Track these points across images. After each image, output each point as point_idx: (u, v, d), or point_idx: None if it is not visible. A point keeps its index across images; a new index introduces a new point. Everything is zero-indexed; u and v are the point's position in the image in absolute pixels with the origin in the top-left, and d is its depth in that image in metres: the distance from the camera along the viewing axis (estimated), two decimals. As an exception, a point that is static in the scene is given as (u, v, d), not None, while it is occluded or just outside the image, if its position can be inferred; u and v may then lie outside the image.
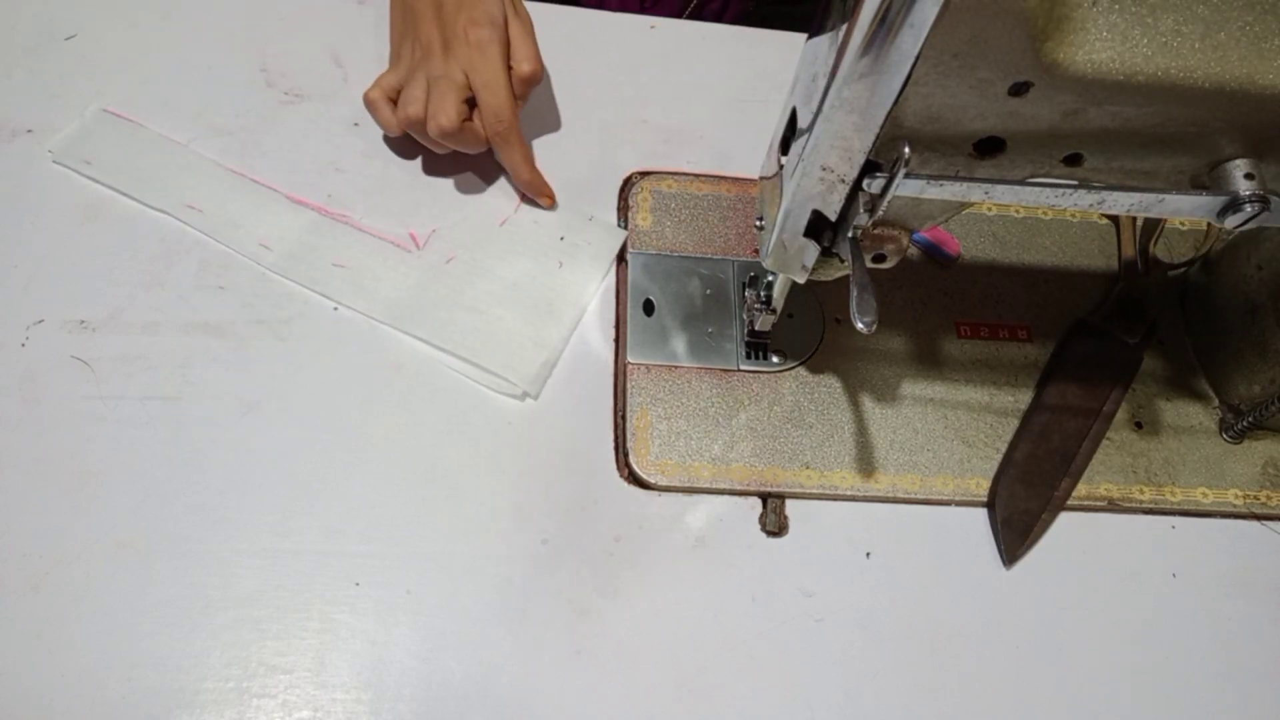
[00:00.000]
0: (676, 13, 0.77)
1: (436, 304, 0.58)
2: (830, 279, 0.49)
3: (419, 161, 0.63)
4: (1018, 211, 0.67)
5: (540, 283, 0.59)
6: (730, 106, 0.68)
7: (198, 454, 0.52)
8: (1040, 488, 0.56)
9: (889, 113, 0.37)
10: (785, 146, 0.44)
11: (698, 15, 0.77)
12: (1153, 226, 0.66)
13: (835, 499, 0.56)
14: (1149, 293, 0.63)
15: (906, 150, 0.38)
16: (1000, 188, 0.40)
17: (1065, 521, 0.57)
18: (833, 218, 0.44)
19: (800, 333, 0.60)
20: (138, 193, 0.58)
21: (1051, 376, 0.60)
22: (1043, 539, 0.56)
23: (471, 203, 0.62)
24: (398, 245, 0.59)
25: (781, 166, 0.44)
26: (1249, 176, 0.40)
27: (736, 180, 0.65)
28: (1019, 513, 0.56)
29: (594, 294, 0.60)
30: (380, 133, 0.63)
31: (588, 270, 0.60)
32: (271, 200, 0.59)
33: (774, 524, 0.54)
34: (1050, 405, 0.59)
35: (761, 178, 0.49)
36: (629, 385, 0.57)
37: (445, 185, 0.62)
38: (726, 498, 0.55)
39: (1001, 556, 0.55)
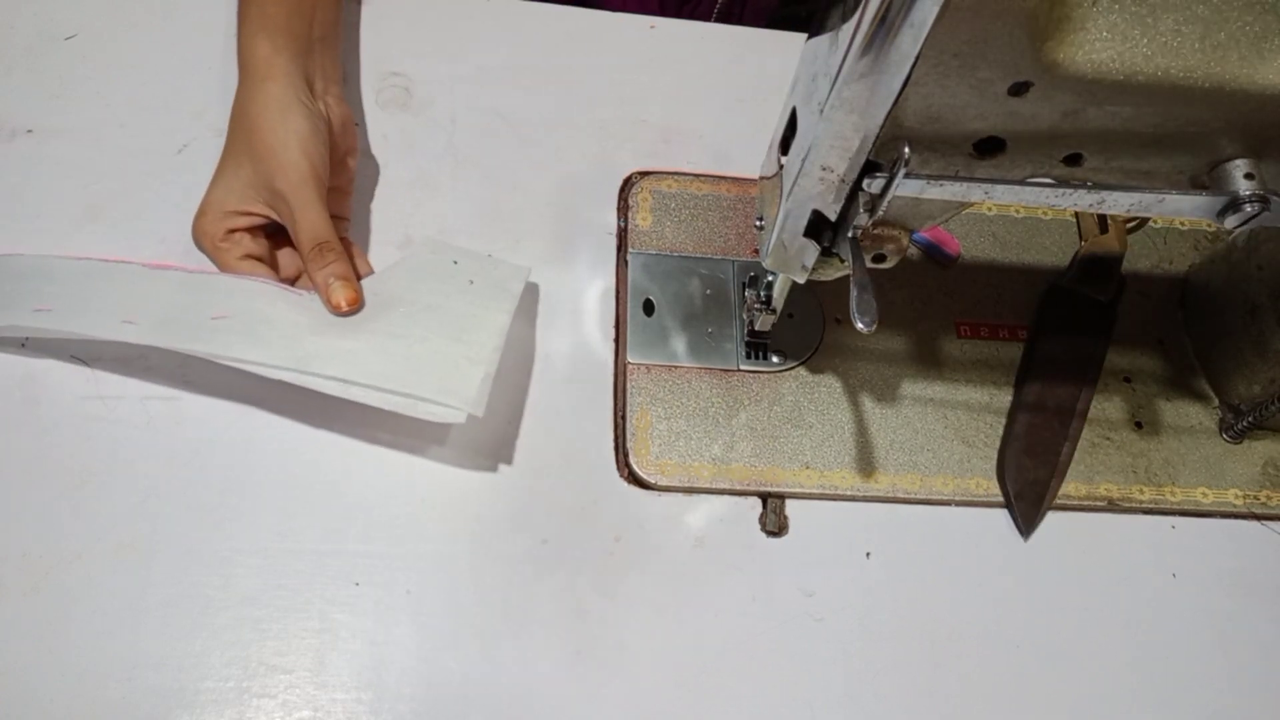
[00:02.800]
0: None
1: (343, 334, 0.51)
2: (830, 279, 0.49)
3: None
4: (1018, 211, 0.67)
5: (456, 299, 0.54)
6: (730, 106, 0.68)
7: (198, 454, 0.52)
8: (1045, 455, 0.57)
9: (889, 113, 0.37)
10: (785, 146, 0.44)
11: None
12: None
13: (835, 499, 0.56)
14: (1111, 249, 0.64)
15: (906, 150, 0.38)
16: (1000, 188, 0.40)
17: (1065, 521, 0.57)
18: (833, 218, 0.44)
19: (800, 333, 0.60)
20: None
21: (1035, 344, 0.61)
22: (1043, 538, 0.56)
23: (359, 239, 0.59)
24: (284, 289, 0.53)
25: (781, 166, 0.44)
26: (1249, 176, 0.40)
27: (736, 180, 0.65)
28: (1029, 484, 0.56)
29: (512, 308, 0.54)
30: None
31: (498, 289, 0.55)
32: (126, 274, 0.52)
33: (774, 524, 0.54)
34: (1040, 372, 0.60)
35: (761, 178, 0.49)
36: (629, 385, 0.57)
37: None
38: (726, 498, 0.55)
39: (1019, 528, 0.56)
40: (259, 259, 0.54)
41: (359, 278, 0.54)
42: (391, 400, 0.50)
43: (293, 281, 0.56)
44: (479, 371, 0.51)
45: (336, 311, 0.52)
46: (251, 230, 0.54)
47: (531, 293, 0.60)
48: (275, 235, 0.56)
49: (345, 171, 0.58)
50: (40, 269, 0.53)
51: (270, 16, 0.56)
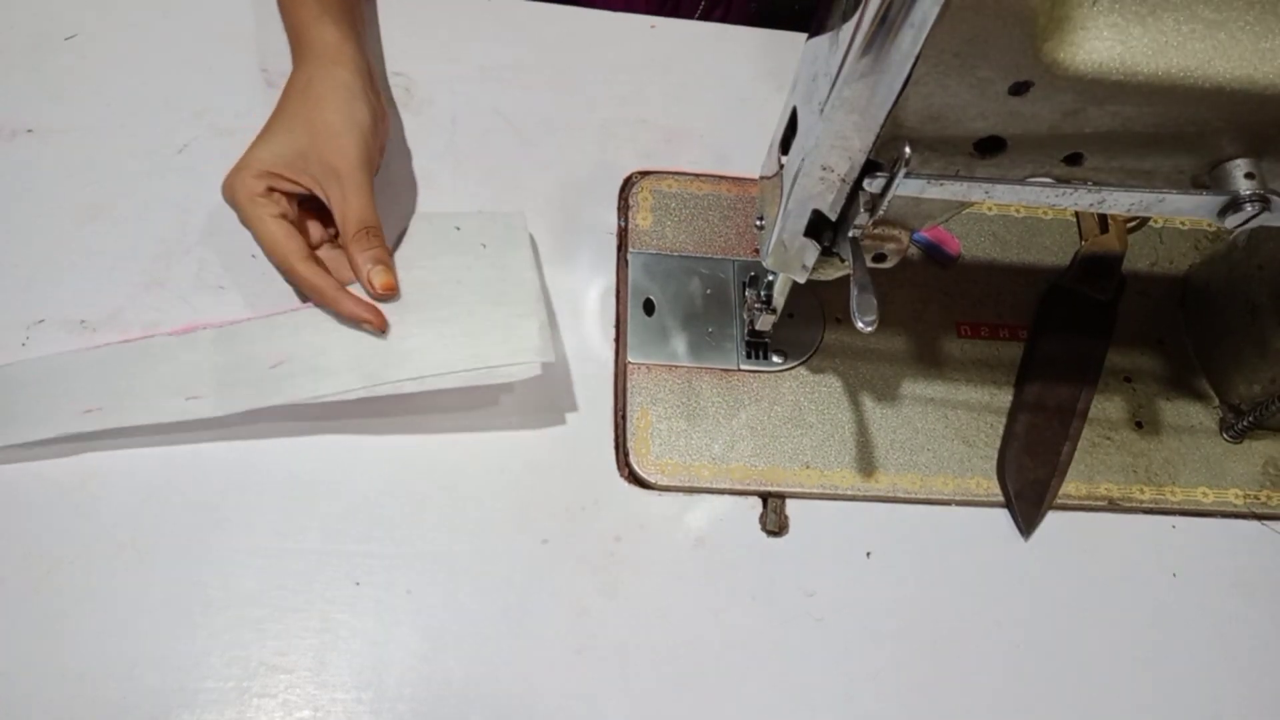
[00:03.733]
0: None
1: (398, 336, 0.52)
2: (830, 279, 0.49)
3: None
4: (1018, 211, 0.67)
5: (479, 267, 0.55)
6: (731, 106, 0.68)
7: (198, 454, 0.52)
8: (1046, 454, 0.57)
9: (889, 112, 0.37)
10: (786, 146, 0.44)
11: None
12: None
13: (835, 499, 0.56)
14: (1112, 249, 0.64)
15: (907, 150, 0.38)
16: (1001, 187, 0.40)
17: (1066, 521, 0.57)
18: (833, 217, 0.44)
19: (800, 332, 0.60)
20: (26, 435, 0.50)
21: (1036, 344, 0.61)
22: (1044, 538, 0.56)
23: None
24: (314, 308, 0.54)
25: (782, 166, 0.44)
26: (1249, 176, 0.40)
27: (737, 180, 0.65)
28: (1029, 483, 0.56)
29: (532, 256, 0.56)
30: None
31: (511, 242, 0.56)
32: (161, 350, 0.52)
33: (774, 523, 0.54)
34: (1041, 372, 0.60)
35: (762, 177, 0.49)
36: (629, 385, 0.57)
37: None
38: (727, 497, 0.55)
39: (1019, 528, 0.56)
40: (290, 222, 0.53)
41: None
42: (466, 378, 0.51)
43: (315, 248, 0.55)
44: (533, 324, 0.53)
45: (373, 294, 0.53)
46: (288, 195, 0.54)
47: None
48: (304, 206, 0.55)
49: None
50: (64, 370, 0.52)
51: (329, 4, 0.57)
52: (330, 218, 0.55)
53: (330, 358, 0.52)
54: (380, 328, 0.52)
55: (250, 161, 0.53)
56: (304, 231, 0.55)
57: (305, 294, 0.53)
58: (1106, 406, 0.60)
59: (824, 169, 0.41)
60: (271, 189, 0.53)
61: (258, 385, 0.51)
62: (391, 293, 0.53)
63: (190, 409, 0.51)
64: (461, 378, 0.51)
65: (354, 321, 0.52)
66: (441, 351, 0.52)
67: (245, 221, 0.53)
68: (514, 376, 0.51)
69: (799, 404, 0.58)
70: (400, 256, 0.55)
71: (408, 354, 0.52)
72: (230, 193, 0.53)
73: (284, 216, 0.53)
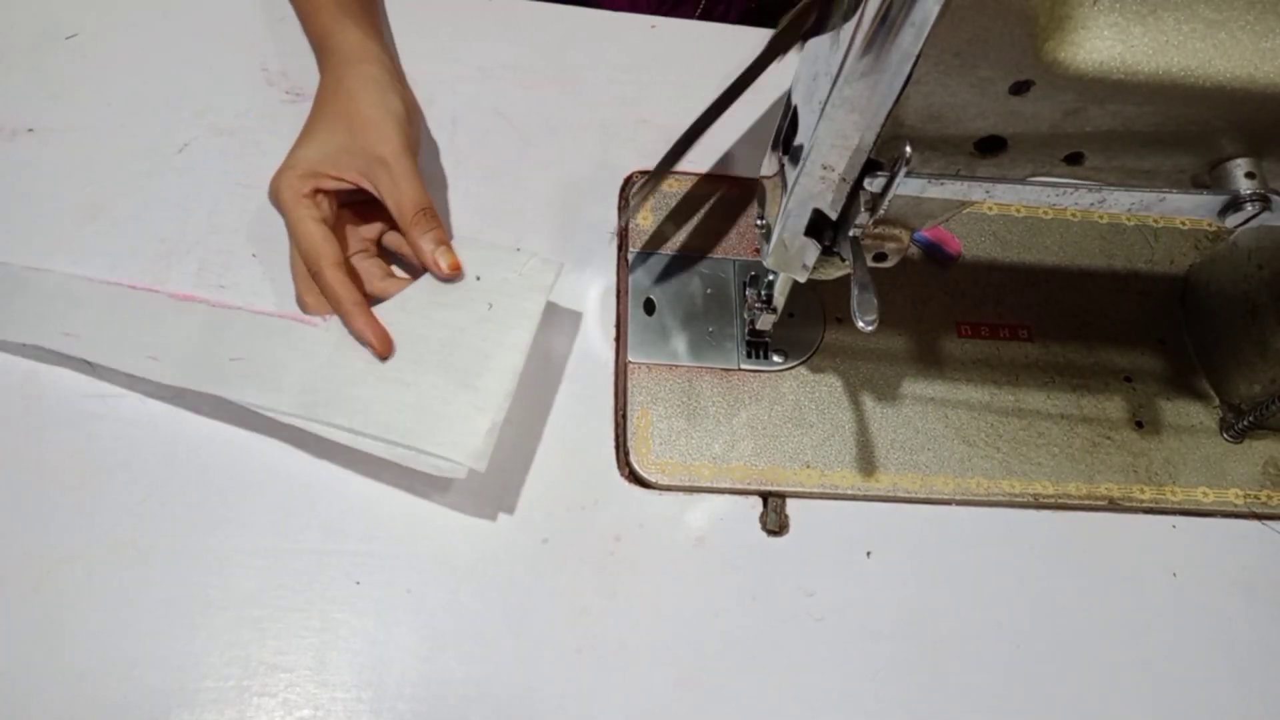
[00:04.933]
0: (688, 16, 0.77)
1: (353, 380, 0.51)
2: (831, 278, 0.49)
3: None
4: (1018, 211, 0.67)
5: (471, 333, 0.53)
6: (731, 106, 0.68)
7: (198, 453, 0.52)
8: None
9: (890, 111, 0.37)
10: (786, 146, 0.44)
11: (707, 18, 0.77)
12: None
13: (836, 498, 0.56)
14: None
15: (908, 149, 0.38)
16: (1001, 186, 0.40)
17: (1065, 521, 0.57)
18: (834, 217, 0.44)
19: (801, 332, 0.60)
20: (5, 334, 0.53)
21: None
22: (1043, 538, 0.56)
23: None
24: (302, 321, 0.54)
25: (782, 166, 0.44)
26: (1250, 175, 0.40)
27: (738, 179, 0.65)
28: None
29: (529, 339, 0.53)
30: None
31: (518, 313, 0.54)
32: (154, 305, 0.54)
33: (774, 523, 0.54)
34: None
35: (762, 177, 0.49)
36: (630, 384, 0.57)
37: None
38: (727, 497, 0.55)
39: None
40: (330, 228, 0.53)
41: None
42: (395, 452, 0.50)
43: (349, 256, 0.56)
44: (485, 422, 0.51)
45: (440, 276, 0.54)
46: (331, 196, 0.55)
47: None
48: (343, 208, 0.56)
49: None
50: (68, 291, 0.54)
51: (347, 5, 0.59)
52: (367, 220, 0.57)
53: (283, 373, 0.52)
54: (382, 354, 0.52)
55: (296, 161, 0.54)
56: (340, 237, 0.55)
57: (326, 300, 0.53)
58: (1107, 406, 0.60)
59: (824, 168, 0.41)
60: (317, 190, 0.54)
61: (211, 371, 0.52)
62: (458, 272, 0.54)
63: (146, 367, 0.52)
64: (389, 449, 0.50)
65: (361, 340, 0.52)
66: (384, 413, 0.50)
67: (287, 222, 0.53)
68: (439, 470, 0.50)
69: (799, 404, 0.58)
70: (407, 295, 0.54)
71: (353, 400, 0.51)
72: (276, 193, 0.54)
73: (324, 221, 0.53)
